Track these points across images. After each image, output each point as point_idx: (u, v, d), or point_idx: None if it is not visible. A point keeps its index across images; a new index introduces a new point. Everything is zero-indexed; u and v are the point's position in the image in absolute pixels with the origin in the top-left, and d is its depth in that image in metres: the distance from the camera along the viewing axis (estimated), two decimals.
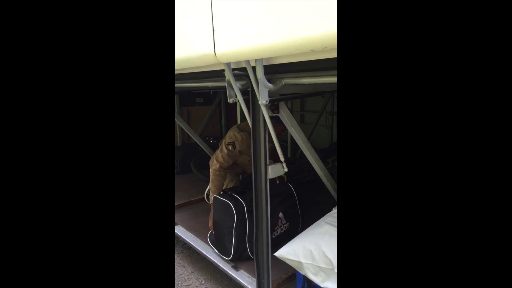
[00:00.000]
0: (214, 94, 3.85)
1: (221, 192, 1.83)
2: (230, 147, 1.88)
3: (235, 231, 1.61)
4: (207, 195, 2.42)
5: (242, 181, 2.24)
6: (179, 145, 3.62)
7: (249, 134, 1.97)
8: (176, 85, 1.57)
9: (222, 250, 1.70)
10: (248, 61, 1.06)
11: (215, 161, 1.95)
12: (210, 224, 1.83)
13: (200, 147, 3.00)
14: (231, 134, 1.93)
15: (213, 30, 0.96)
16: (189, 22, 1.04)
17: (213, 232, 1.78)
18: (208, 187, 2.42)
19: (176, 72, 1.39)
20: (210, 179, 1.96)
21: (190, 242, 1.92)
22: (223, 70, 1.22)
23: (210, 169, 1.97)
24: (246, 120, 1.43)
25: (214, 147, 3.02)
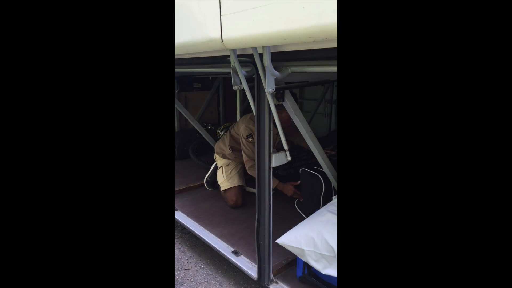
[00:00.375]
0: (213, 80, 3.79)
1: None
2: (250, 139, 2.01)
3: (322, 199, 1.82)
4: (207, 181, 2.43)
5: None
6: (176, 131, 3.59)
7: None
8: (176, 70, 1.54)
9: (309, 215, 1.87)
10: (255, 48, 1.04)
11: (246, 157, 2.02)
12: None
13: (198, 133, 2.98)
14: (245, 127, 2.01)
15: (220, 15, 0.94)
16: (196, 6, 1.01)
17: (301, 199, 2.05)
18: (208, 173, 2.43)
19: (178, 57, 1.36)
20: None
21: (190, 228, 1.93)
22: (226, 56, 1.19)
23: (247, 168, 2.04)
24: (247, 107, 1.42)
25: (212, 134, 3.00)
